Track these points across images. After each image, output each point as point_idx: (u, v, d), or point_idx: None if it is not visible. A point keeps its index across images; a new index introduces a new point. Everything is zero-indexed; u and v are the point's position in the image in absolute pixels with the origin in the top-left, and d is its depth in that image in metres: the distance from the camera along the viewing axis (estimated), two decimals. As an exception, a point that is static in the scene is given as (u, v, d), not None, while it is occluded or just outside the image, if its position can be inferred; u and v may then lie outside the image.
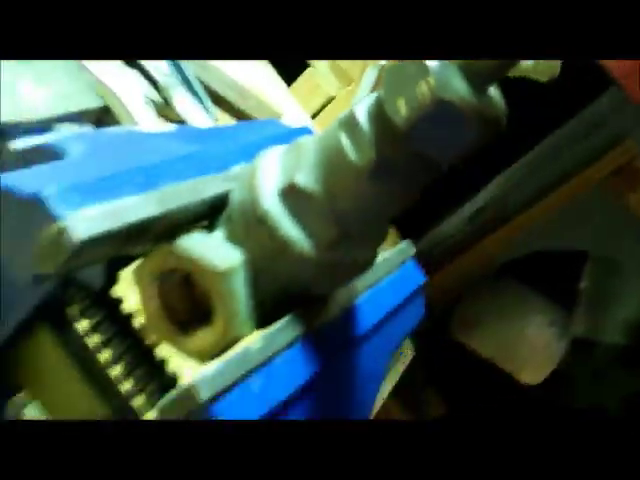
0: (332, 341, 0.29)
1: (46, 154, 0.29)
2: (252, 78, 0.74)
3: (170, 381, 0.34)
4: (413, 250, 0.36)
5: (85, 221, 0.23)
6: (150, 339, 0.34)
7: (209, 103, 0.63)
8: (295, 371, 0.26)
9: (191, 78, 0.60)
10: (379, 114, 0.25)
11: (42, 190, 0.23)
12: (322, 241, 0.27)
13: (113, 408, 0.35)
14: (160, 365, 0.34)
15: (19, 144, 0.30)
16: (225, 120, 0.67)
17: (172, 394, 0.24)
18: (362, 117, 0.26)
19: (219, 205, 0.28)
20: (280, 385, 0.26)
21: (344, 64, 0.89)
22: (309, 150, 0.27)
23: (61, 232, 0.22)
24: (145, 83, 0.56)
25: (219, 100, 0.67)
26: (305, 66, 0.90)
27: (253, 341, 0.26)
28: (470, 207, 1.09)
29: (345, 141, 0.26)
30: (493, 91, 0.26)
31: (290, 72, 0.87)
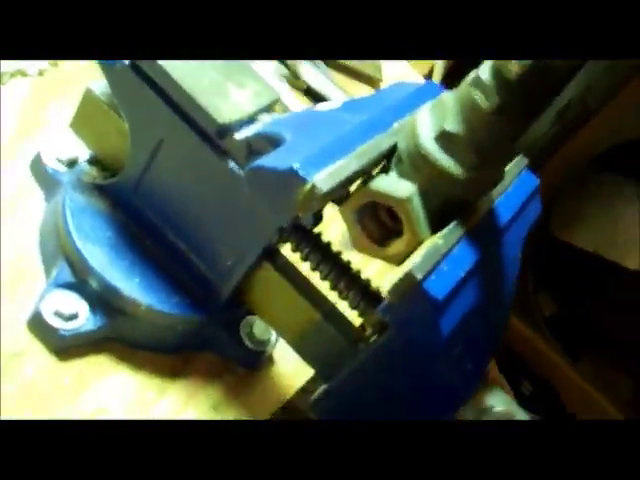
0: (485, 234, 0.41)
1: (265, 138, 0.42)
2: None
3: (365, 288, 0.47)
4: (526, 161, 0.48)
5: (323, 179, 0.36)
6: (345, 259, 0.48)
7: (324, 67, 0.75)
8: (467, 256, 0.39)
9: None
10: (498, 73, 0.37)
11: (292, 164, 0.37)
12: (467, 166, 0.39)
13: (324, 313, 0.48)
14: (356, 277, 0.47)
15: (241, 135, 0.43)
16: (337, 78, 0.79)
17: (397, 279, 0.36)
18: (486, 76, 0.37)
19: (389, 154, 0.41)
20: (459, 266, 0.38)
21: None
22: (450, 104, 0.39)
23: (312, 188, 0.36)
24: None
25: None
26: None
27: (435, 241, 0.39)
28: (555, 106, 1.13)
29: (475, 94, 0.37)
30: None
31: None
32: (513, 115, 0.37)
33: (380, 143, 0.40)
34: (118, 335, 0.48)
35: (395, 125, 0.42)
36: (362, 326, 0.48)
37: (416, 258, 0.37)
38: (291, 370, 0.56)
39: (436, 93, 0.44)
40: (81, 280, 0.46)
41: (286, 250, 0.48)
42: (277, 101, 0.45)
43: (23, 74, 0.55)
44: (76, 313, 0.46)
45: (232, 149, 0.44)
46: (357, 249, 0.42)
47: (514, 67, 0.36)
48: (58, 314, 0.46)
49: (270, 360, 0.56)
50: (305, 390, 0.56)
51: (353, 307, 0.47)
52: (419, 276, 0.36)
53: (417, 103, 0.43)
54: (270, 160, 0.39)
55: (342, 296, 0.47)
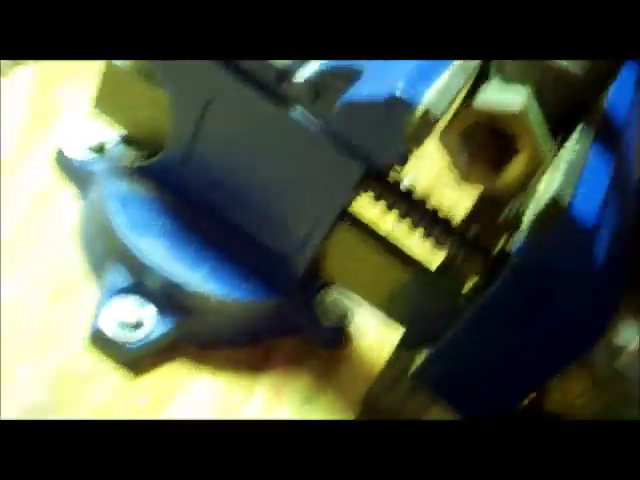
0: (609, 137, 0.35)
1: (336, 74, 0.35)
2: None
3: (462, 234, 0.41)
4: None
5: (435, 102, 0.30)
6: (430, 205, 0.42)
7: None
8: (602, 168, 0.33)
9: None
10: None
11: (393, 90, 0.30)
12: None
13: (414, 269, 0.43)
14: (450, 223, 0.41)
15: (305, 76, 0.37)
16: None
17: (540, 208, 0.30)
18: None
19: (486, 65, 0.35)
20: (599, 182, 0.32)
21: None
22: None
23: (426, 113, 0.29)
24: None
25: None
26: None
27: (566, 156, 0.33)
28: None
29: None
30: None
31: None
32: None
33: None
34: (190, 337, 0.42)
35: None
36: (457, 278, 0.43)
37: (552, 180, 0.31)
38: (373, 342, 0.50)
39: None
40: (140, 281, 0.40)
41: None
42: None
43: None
44: (140, 320, 0.40)
45: (296, 94, 0.37)
46: (467, 181, 0.36)
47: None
48: (121, 325, 0.39)
49: (349, 337, 0.50)
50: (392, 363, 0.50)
51: (451, 256, 0.41)
52: (565, 203, 0.30)
53: None
54: (362, 91, 0.32)
55: (438, 245, 0.41)
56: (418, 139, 0.31)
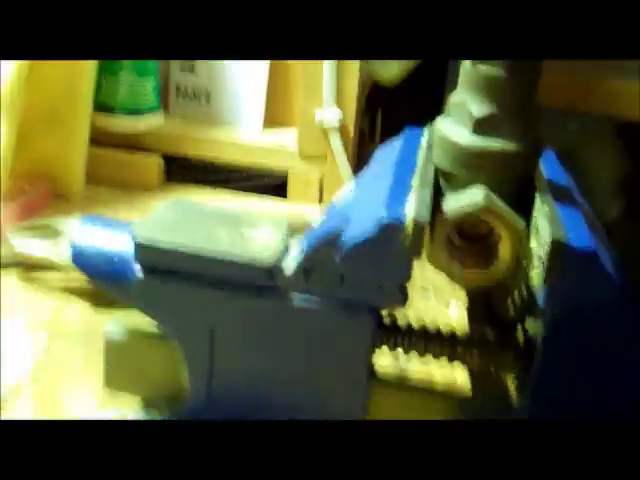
0: (559, 190, 0.40)
1: (324, 245, 0.39)
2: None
3: (476, 343, 0.43)
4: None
5: (416, 211, 0.34)
6: (443, 328, 0.43)
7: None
8: (571, 209, 0.37)
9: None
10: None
11: (378, 219, 0.34)
12: (519, 136, 0.37)
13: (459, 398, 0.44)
14: (465, 339, 0.43)
15: (292, 264, 0.40)
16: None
17: (545, 256, 0.33)
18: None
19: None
20: (575, 217, 0.37)
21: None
22: (461, 97, 0.38)
23: (414, 223, 0.34)
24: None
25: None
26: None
27: (543, 213, 0.36)
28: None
29: (480, 69, 0.37)
30: None
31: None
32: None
33: (424, 171, 0.39)
34: None
35: (419, 160, 0.41)
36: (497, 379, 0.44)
37: (539, 238, 0.35)
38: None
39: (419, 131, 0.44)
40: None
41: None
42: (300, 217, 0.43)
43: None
44: None
45: (290, 283, 0.40)
46: (464, 285, 0.38)
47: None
48: None
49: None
50: None
51: (485, 366, 0.43)
52: (564, 239, 0.33)
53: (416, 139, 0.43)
54: (353, 237, 0.36)
55: (466, 363, 0.43)
56: (416, 250, 0.34)
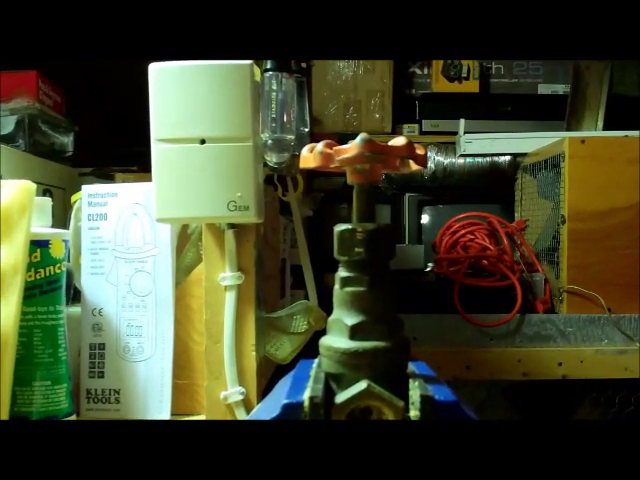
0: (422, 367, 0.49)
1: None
2: None
3: None
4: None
5: (312, 390, 0.42)
6: None
7: None
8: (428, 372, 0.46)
9: None
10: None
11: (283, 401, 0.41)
12: (385, 336, 0.48)
13: None
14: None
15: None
16: None
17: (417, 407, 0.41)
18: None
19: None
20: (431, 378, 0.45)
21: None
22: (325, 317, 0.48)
23: (311, 399, 0.41)
24: None
25: None
26: None
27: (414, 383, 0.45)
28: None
29: (347, 290, 0.48)
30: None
31: None
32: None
33: (316, 374, 0.48)
34: None
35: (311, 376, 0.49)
36: None
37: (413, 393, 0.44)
38: None
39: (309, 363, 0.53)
40: None
41: None
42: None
43: None
44: None
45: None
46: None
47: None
48: None
49: None
50: None
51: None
52: (430, 394, 0.42)
53: (309, 364, 0.52)
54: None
55: None
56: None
